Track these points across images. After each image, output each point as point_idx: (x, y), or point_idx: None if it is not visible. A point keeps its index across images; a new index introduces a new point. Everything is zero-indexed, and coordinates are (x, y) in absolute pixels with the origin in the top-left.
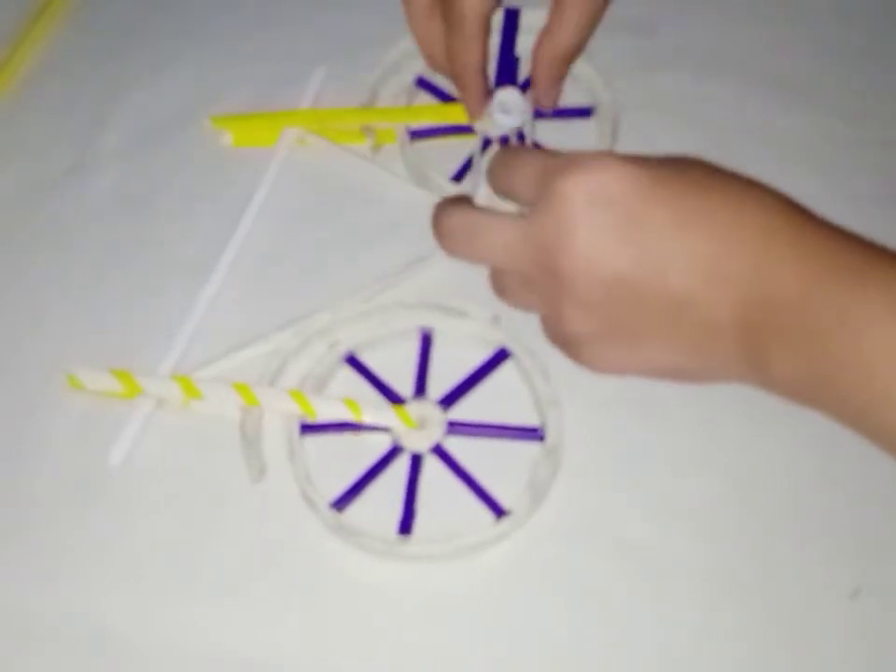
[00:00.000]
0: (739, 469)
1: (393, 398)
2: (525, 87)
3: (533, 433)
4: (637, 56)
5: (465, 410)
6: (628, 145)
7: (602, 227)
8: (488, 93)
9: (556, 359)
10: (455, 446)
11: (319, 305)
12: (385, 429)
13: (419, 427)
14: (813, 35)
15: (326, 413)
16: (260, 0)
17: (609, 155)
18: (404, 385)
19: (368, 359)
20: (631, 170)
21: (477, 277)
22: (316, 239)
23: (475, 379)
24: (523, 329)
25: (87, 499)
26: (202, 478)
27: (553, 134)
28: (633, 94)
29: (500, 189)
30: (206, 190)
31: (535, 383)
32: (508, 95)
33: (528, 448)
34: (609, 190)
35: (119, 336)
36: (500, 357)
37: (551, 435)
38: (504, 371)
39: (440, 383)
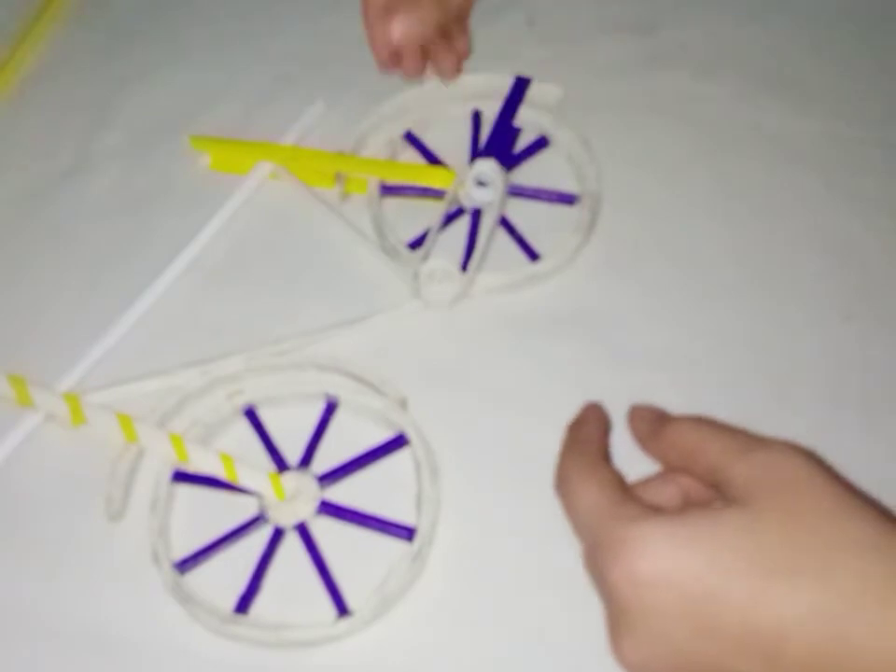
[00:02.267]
0: None
1: (279, 462)
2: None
3: (404, 532)
4: (637, 56)
5: (347, 490)
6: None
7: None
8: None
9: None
10: (325, 526)
11: (239, 347)
12: (255, 494)
13: (291, 499)
14: (813, 35)
15: (200, 463)
16: (262, 1)
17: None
18: (296, 451)
19: (268, 416)
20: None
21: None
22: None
23: (363, 460)
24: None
25: None
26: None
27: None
28: (632, 95)
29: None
30: (197, 196)
31: (422, 478)
32: (486, 167)
33: (398, 546)
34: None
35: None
36: (397, 442)
37: (419, 539)
38: (399, 458)
39: (330, 455)
